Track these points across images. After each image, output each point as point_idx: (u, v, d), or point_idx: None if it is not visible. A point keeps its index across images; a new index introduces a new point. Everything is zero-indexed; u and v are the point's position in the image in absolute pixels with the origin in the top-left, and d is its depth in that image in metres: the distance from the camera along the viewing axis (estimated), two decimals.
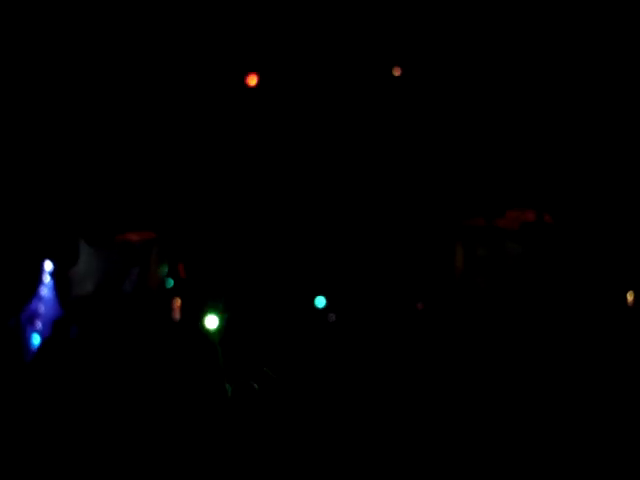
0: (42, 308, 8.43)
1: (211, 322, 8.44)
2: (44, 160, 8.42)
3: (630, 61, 8.37)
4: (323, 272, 8.50)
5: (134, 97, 8.48)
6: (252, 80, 8.57)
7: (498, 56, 8.61)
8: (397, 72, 8.59)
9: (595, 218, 8.40)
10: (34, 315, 8.39)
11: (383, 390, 7.31)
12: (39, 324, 8.38)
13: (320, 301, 8.26)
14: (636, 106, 8.47)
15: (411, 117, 8.75)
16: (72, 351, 8.37)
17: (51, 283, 8.48)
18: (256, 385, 7.58)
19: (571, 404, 6.74)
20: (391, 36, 8.73)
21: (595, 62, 8.52)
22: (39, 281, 8.44)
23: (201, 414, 7.56)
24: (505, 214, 8.50)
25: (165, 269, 8.52)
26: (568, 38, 8.42)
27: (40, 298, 8.44)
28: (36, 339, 8.34)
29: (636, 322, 7.81)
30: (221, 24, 8.63)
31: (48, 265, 8.46)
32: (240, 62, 8.64)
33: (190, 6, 8.60)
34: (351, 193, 8.68)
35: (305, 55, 8.68)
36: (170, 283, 8.58)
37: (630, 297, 8.05)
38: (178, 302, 8.56)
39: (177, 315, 8.55)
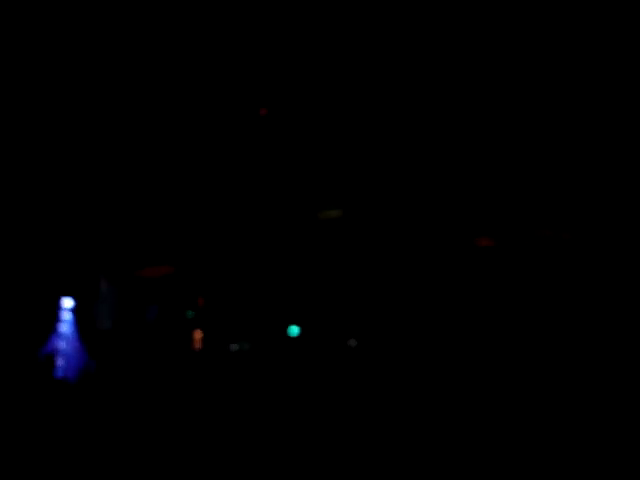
0: (63, 345, 8.43)
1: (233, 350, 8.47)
2: (63, 200, 8.45)
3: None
4: (339, 297, 8.50)
5: (150, 138, 8.53)
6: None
7: (505, 71, 8.64)
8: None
9: (608, 232, 8.41)
10: (55, 351, 8.40)
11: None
12: (60, 360, 8.39)
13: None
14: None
15: (416, 132, 8.78)
16: (94, 386, 8.40)
17: (72, 320, 8.49)
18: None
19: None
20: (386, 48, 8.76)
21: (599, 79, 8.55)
22: (59, 318, 8.45)
23: (221, 444, 7.56)
24: (518, 232, 8.52)
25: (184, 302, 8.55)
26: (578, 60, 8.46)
27: (60, 335, 8.45)
28: (58, 375, 8.34)
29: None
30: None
31: (69, 302, 8.48)
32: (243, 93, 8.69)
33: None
34: (353, 210, 8.70)
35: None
36: (190, 315, 8.59)
37: None
38: (199, 334, 8.58)
39: (198, 346, 8.57)
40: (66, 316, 8.47)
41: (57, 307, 8.41)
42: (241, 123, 8.73)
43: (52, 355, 8.37)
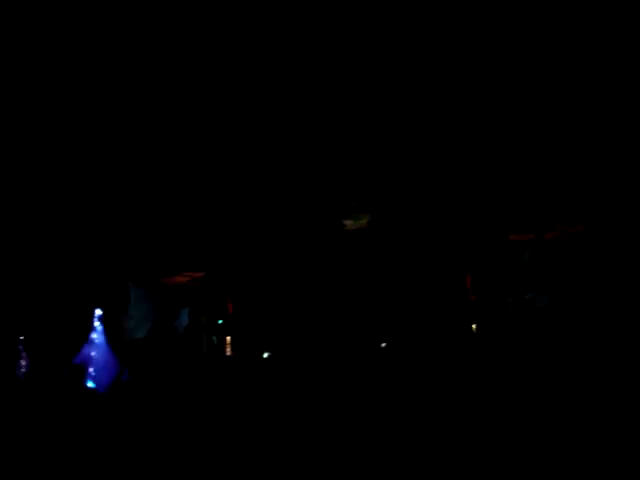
0: (94, 354, 8.41)
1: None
2: (90, 211, 8.35)
3: None
4: (368, 306, 8.77)
5: (173, 147, 8.48)
6: None
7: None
8: None
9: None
10: (86, 361, 8.37)
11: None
12: (92, 369, 8.38)
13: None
14: None
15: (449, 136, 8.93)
16: (126, 393, 8.42)
17: (101, 328, 8.46)
18: None
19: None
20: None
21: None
22: (90, 327, 8.41)
23: (252, 447, 7.72)
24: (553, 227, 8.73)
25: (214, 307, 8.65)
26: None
27: (91, 343, 8.42)
28: (89, 384, 8.34)
29: None
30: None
31: (98, 311, 8.44)
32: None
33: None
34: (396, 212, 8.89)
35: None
36: (220, 321, 8.70)
37: None
38: (228, 339, 8.71)
39: (228, 351, 8.71)
40: (97, 325, 8.44)
41: (90, 317, 8.37)
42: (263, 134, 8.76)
43: (84, 364, 8.35)
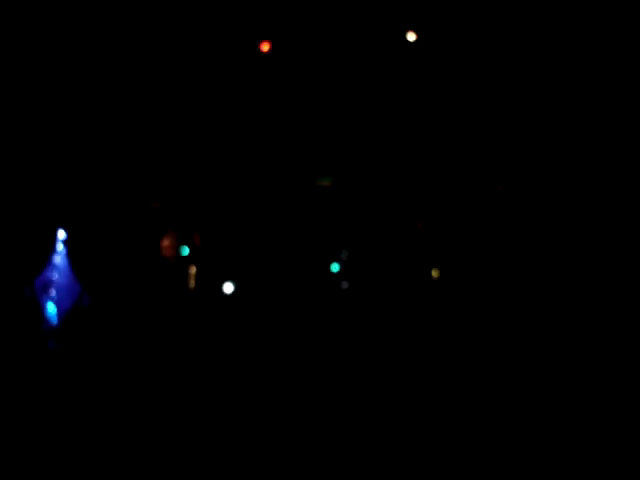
0: (56, 276, 8.31)
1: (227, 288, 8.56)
2: (60, 135, 8.17)
3: None
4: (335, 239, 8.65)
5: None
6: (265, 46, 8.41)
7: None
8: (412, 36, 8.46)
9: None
10: (48, 283, 8.27)
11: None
12: (53, 292, 8.28)
13: (335, 267, 8.49)
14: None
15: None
16: (87, 321, 8.37)
17: (64, 251, 8.33)
18: None
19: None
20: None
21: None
22: (53, 249, 8.28)
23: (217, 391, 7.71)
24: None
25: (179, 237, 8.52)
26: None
27: (54, 266, 8.31)
28: (51, 307, 8.25)
29: None
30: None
31: (61, 233, 8.29)
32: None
33: None
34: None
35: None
36: (185, 251, 8.57)
37: None
38: (193, 270, 8.60)
39: (192, 283, 8.60)
40: (59, 248, 8.31)
41: (53, 238, 8.24)
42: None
43: (45, 286, 8.25)
